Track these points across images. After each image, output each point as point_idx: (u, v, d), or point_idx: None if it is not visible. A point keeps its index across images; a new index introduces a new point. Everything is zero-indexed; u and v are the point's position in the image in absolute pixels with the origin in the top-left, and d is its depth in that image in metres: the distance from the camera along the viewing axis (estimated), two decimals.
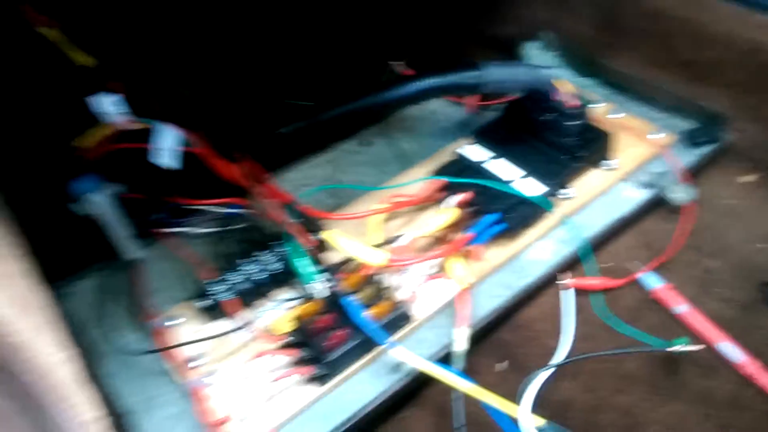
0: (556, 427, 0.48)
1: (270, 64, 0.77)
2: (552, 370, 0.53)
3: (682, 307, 0.57)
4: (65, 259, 0.61)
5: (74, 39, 0.71)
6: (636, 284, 0.61)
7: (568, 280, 0.59)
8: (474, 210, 0.62)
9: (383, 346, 0.52)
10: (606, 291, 0.60)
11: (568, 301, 0.59)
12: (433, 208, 0.65)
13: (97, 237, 0.58)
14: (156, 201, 0.62)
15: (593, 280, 0.60)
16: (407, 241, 0.58)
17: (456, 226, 0.61)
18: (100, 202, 0.55)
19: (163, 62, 0.70)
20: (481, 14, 0.88)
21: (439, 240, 0.62)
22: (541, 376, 0.52)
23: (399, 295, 0.56)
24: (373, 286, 0.55)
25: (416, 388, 0.54)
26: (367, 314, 0.52)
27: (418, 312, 0.56)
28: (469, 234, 0.58)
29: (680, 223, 0.65)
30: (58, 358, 0.34)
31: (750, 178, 0.70)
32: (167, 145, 0.53)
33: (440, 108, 0.83)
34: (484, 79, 0.61)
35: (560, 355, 0.55)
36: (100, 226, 0.56)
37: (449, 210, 0.61)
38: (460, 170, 0.66)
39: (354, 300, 0.53)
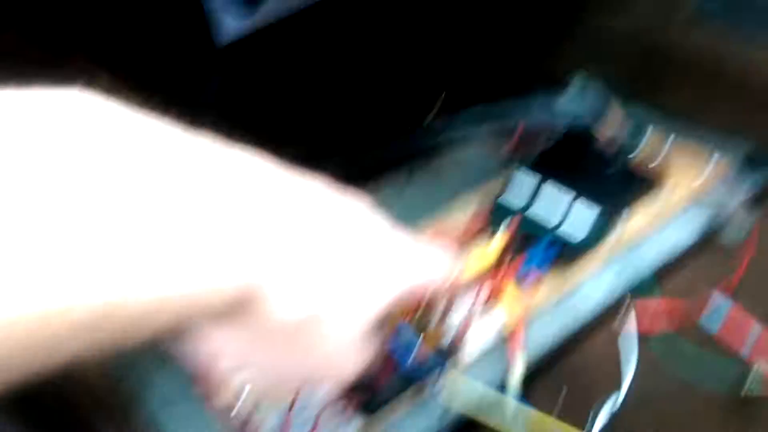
0: None
1: (307, 105, 0.78)
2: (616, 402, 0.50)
3: (753, 336, 0.53)
4: None
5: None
6: (703, 315, 0.57)
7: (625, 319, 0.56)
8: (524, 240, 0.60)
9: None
10: (668, 326, 0.56)
11: (628, 343, 0.55)
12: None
13: None
14: None
15: (653, 314, 0.57)
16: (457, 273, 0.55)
17: (508, 256, 0.59)
18: None
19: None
20: (525, 51, 0.87)
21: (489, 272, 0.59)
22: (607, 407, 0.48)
23: (449, 326, 0.54)
24: (423, 315, 0.53)
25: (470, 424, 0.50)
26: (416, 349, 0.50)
27: (466, 347, 0.54)
28: (519, 262, 0.56)
29: (744, 251, 0.61)
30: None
31: None
32: None
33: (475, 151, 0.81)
34: (522, 124, 0.61)
35: (623, 391, 0.51)
36: None
37: (498, 238, 0.59)
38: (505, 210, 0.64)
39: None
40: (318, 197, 0.30)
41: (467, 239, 0.63)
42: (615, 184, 0.65)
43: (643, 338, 0.56)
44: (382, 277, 0.31)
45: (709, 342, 0.55)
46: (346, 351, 0.32)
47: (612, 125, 0.63)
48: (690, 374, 0.53)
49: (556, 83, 0.86)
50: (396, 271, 0.32)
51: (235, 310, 0.26)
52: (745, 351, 0.53)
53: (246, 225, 0.26)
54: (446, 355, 0.52)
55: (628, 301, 0.58)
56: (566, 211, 0.62)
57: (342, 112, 0.77)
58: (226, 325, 0.27)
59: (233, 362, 0.33)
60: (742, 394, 0.48)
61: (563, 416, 0.51)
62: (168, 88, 0.66)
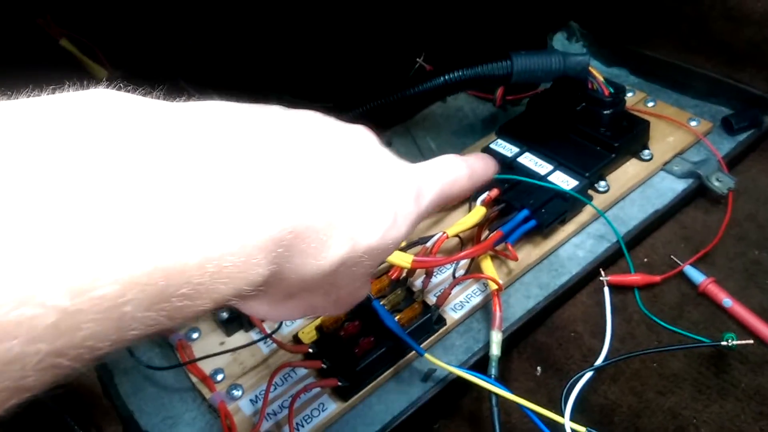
0: None
1: (293, 61, 0.76)
2: (592, 372, 0.51)
3: (727, 301, 0.54)
4: None
5: (93, 50, 0.72)
6: (678, 279, 0.58)
7: (604, 277, 0.56)
8: (504, 207, 0.60)
9: (412, 354, 0.50)
10: (647, 287, 0.57)
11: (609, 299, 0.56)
12: (463, 207, 0.63)
13: None
14: None
15: (632, 276, 0.57)
16: (433, 242, 0.55)
17: (485, 224, 0.59)
18: None
19: (183, 70, 0.69)
20: (507, 3, 0.86)
21: (470, 240, 0.60)
22: (582, 380, 0.49)
23: (428, 299, 0.54)
24: (400, 291, 0.53)
25: (449, 398, 0.51)
26: (395, 320, 0.50)
27: (448, 316, 0.54)
28: (498, 233, 0.56)
29: (722, 213, 0.61)
30: None
31: None
32: None
33: (467, 104, 0.81)
34: (514, 68, 0.59)
35: (602, 356, 0.52)
36: None
37: (477, 209, 0.59)
38: None
39: (382, 305, 0.51)
40: (323, 128, 0.29)
41: (448, 207, 0.63)
42: (599, 142, 0.64)
43: (623, 295, 0.57)
44: (406, 197, 0.30)
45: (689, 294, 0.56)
46: (363, 285, 0.31)
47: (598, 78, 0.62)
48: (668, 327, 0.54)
49: (540, 39, 0.85)
50: (416, 186, 0.31)
51: (281, 261, 0.24)
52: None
53: (264, 172, 0.24)
54: (423, 330, 0.53)
55: (602, 270, 0.58)
56: (551, 171, 0.63)
57: (327, 65, 0.76)
58: (264, 289, 0.24)
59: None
60: (721, 344, 0.49)
61: (546, 378, 0.53)
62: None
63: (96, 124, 0.21)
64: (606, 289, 0.56)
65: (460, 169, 0.35)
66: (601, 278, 0.56)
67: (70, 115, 0.20)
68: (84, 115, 0.21)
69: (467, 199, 0.63)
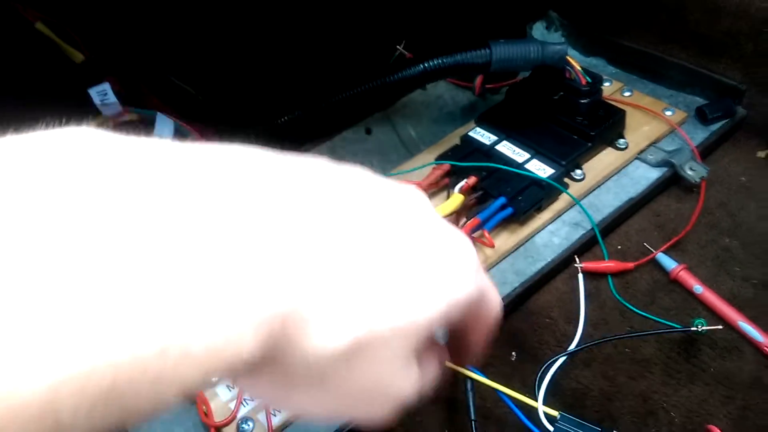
0: (570, 419, 0.46)
1: (272, 50, 0.76)
2: (565, 357, 0.52)
3: (698, 288, 0.55)
4: None
5: (69, 34, 0.71)
6: (651, 266, 0.59)
7: (578, 264, 0.57)
8: (481, 195, 0.60)
9: None
10: (620, 274, 0.58)
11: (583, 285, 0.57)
12: (441, 195, 0.64)
13: None
14: None
15: (606, 263, 0.58)
16: None
17: (463, 212, 0.60)
18: None
19: (160, 53, 0.69)
20: None
21: None
22: (556, 365, 0.50)
23: None
24: None
25: None
26: None
27: None
28: (475, 220, 0.56)
29: (694, 201, 0.63)
30: None
31: (765, 152, 0.68)
32: (164, 135, 0.52)
33: (446, 92, 0.81)
34: (493, 56, 0.59)
35: (575, 342, 0.53)
36: None
37: (455, 196, 0.59)
38: (467, 154, 0.64)
39: None
40: (338, 181, 0.24)
41: (428, 190, 0.64)
42: (576, 131, 0.65)
43: (597, 281, 0.58)
44: (434, 279, 0.24)
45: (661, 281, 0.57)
46: (395, 376, 0.25)
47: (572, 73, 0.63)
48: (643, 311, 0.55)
49: (519, 28, 0.85)
50: (446, 271, 0.25)
51: (270, 348, 0.20)
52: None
53: (264, 235, 0.20)
54: None
55: (577, 257, 0.59)
56: (528, 159, 0.63)
57: (308, 52, 0.76)
58: (259, 371, 0.21)
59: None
60: (692, 330, 0.51)
61: (521, 363, 0.53)
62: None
63: (58, 173, 0.18)
64: (580, 276, 0.57)
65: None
66: (575, 265, 0.57)
67: (31, 161, 0.18)
68: (50, 162, 0.18)
69: (445, 186, 0.63)
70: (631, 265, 0.58)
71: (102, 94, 0.50)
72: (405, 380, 0.26)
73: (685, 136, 0.67)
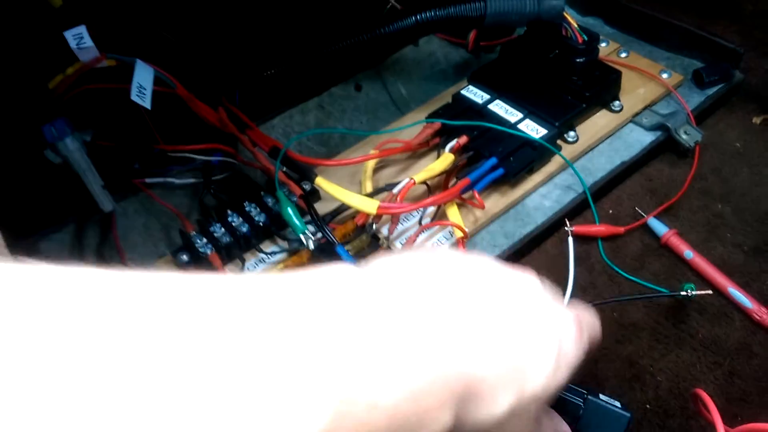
0: None
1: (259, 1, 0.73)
2: None
3: (689, 253, 0.55)
4: (40, 212, 0.58)
5: None
6: (642, 231, 0.58)
7: (569, 227, 0.56)
8: (472, 155, 0.59)
9: None
10: (610, 238, 0.57)
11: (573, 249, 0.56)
12: (431, 154, 0.62)
13: (74, 188, 0.54)
14: (135, 148, 0.59)
15: (597, 227, 0.57)
16: (399, 188, 0.54)
17: (453, 172, 0.58)
18: (71, 148, 0.51)
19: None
20: None
21: (437, 188, 0.59)
22: None
23: (394, 246, 0.54)
24: (365, 236, 0.53)
25: None
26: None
27: None
28: (465, 180, 0.55)
29: (688, 166, 0.62)
30: None
31: (761, 118, 0.67)
32: (143, 83, 0.49)
33: (439, 49, 0.79)
34: (488, 9, 0.57)
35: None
36: (75, 175, 0.53)
37: (445, 156, 0.58)
38: (459, 113, 0.62)
39: (347, 250, 0.50)
40: (493, 276, 0.29)
41: (415, 150, 0.62)
42: (570, 91, 0.63)
43: (587, 245, 0.57)
44: (569, 343, 0.30)
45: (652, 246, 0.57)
46: (531, 426, 0.31)
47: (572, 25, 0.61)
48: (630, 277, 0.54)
49: None
50: (567, 342, 0.31)
51: (459, 410, 0.25)
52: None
53: (448, 321, 0.25)
54: None
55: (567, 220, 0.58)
56: (521, 119, 0.62)
57: (297, 4, 0.73)
58: None
59: None
60: (681, 295, 0.50)
61: None
62: None
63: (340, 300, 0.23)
64: (570, 239, 0.56)
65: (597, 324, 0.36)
66: (566, 228, 0.56)
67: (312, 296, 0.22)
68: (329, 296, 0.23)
69: (436, 145, 0.62)
70: (621, 229, 0.57)
71: (78, 37, 0.47)
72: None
73: (681, 100, 0.66)
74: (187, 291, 0.20)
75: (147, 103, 0.50)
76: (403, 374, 0.22)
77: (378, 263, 0.27)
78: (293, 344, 0.20)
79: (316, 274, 0.24)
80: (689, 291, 0.50)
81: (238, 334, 0.20)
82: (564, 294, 0.53)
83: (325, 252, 0.51)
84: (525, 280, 0.31)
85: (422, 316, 0.24)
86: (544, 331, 0.29)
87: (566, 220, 0.57)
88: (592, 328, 0.35)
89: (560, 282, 0.54)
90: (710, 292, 0.51)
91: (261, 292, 0.22)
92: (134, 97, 0.49)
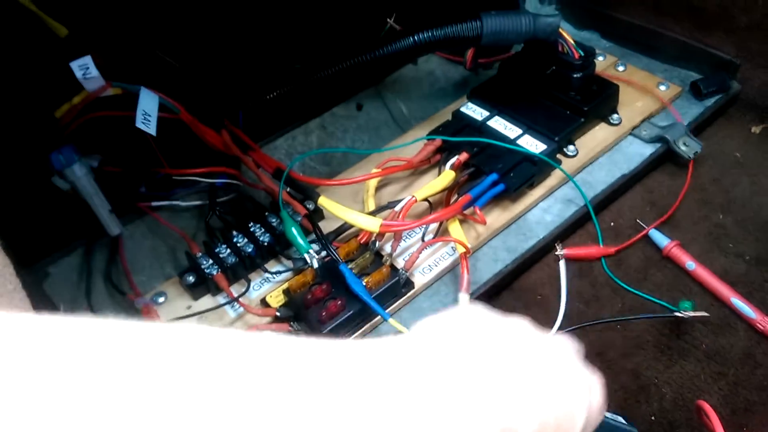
0: None
1: (260, 25, 0.74)
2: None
3: (691, 264, 0.55)
4: (48, 237, 0.59)
5: (51, 7, 0.69)
6: (644, 242, 0.58)
7: (560, 251, 0.57)
8: (473, 171, 0.60)
9: (378, 318, 0.50)
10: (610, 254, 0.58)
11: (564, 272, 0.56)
12: (432, 171, 0.63)
13: (81, 212, 0.55)
14: (140, 173, 0.60)
15: (586, 249, 0.58)
16: (402, 206, 0.55)
17: (455, 189, 0.59)
18: (79, 175, 0.52)
19: (145, 27, 0.67)
20: None
21: (439, 204, 0.59)
22: None
23: (397, 263, 0.54)
24: (368, 254, 0.53)
25: None
26: (362, 282, 0.50)
27: (417, 279, 0.54)
28: (466, 196, 0.56)
29: (687, 177, 0.62)
30: None
31: (759, 128, 0.67)
32: (148, 110, 0.50)
33: (438, 67, 0.80)
34: (484, 29, 0.58)
35: (557, 324, 0.53)
36: (83, 200, 0.54)
37: (446, 173, 0.59)
38: (458, 130, 0.63)
39: (349, 269, 0.51)
40: (525, 339, 0.30)
41: (416, 167, 0.63)
42: (568, 106, 0.64)
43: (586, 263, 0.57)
44: (589, 415, 0.31)
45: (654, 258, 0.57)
46: None
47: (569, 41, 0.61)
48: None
49: (511, 1, 0.84)
50: (595, 406, 0.32)
51: None
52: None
53: (487, 384, 0.26)
54: (391, 293, 0.53)
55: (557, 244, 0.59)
56: (520, 135, 0.62)
57: (297, 26, 0.74)
58: None
59: None
60: (680, 313, 0.50)
61: None
62: None
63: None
64: (561, 263, 0.56)
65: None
66: (556, 253, 0.57)
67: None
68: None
69: (437, 162, 0.63)
70: (612, 249, 0.57)
71: (84, 68, 0.48)
72: None
73: (675, 113, 0.66)
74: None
75: (152, 130, 0.50)
76: None
77: (421, 330, 0.29)
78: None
79: (362, 354, 0.25)
80: (683, 312, 0.50)
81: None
82: (561, 312, 0.53)
83: (330, 271, 0.51)
84: (560, 345, 0.32)
85: (468, 386, 0.26)
86: (576, 397, 0.30)
87: (556, 244, 0.57)
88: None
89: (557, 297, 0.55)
90: (705, 314, 0.51)
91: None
92: (139, 124, 0.50)
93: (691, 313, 0.50)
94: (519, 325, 0.31)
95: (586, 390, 0.31)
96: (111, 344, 0.20)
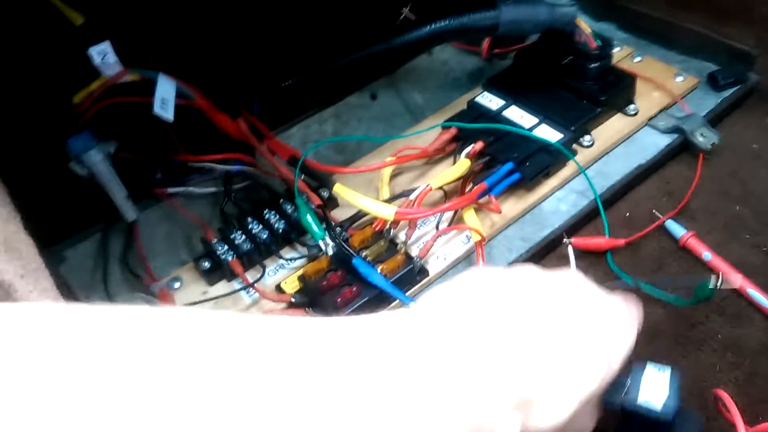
0: None
1: (275, 13, 0.74)
2: None
3: (707, 255, 0.55)
4: (66, 221, 0.59)
5: None
6: (660, 233, 0.58)
7: (567, 240, 0.56)
8: (489, 160, 0.59)
9: (395, 303, 0.50)
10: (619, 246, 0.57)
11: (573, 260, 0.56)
12: (447, 160, 0.63)
13: (98, 198, 0.56)
14: (157, 159, 0.60)
15: (596, 240, 0.57)
16: (417, 194, 0.55)
17: (470, 177, 0.59)
18: (96, 160, 0.53)
19: (161, 13, 0.68)
20: None
21: (454, 193, 0.59)
22: None
23: (411, 251, 0.54)
24: (383, 242, 0.53)
25: None
26: (377, 270, 0.50)
27: (431, 267, 0.54)
28: (482, 185, 0.55)
29: (705, 168, 0.62)
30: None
31: None
32: (166, 96, 0.51)
33: (453, 57, 0.80)
34: (501, 18, 0.58)
35: None
36: (99, 186, 0.54)
37: (462, 161, 0.59)
38: (474, 119, 0.63)
39: (363, 256, 0.51)
40: (533, 282, 0.31)
41: (432, 156, 0.63)
42: (585, 96, 0.64)
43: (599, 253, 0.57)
44: (605, 351, 0.32)
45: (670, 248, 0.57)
46: (587, 423, 0.34)
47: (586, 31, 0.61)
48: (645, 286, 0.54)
49: None
50: (620, 332, 0.33)
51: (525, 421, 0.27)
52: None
53: (496, 340, 0.27)
54: (406, 281, 0.53)
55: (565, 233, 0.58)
56: (536, 125, 0.62)
57: (310, 16, 0.74)
58: None
59: None
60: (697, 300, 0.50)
61: None
62: None
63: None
64: (570, 250, 0.55)
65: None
66: (564, 241, 0.56)
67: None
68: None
69: (452, 151, 0.62)
70: (621, 241, 0.56)
71: (102, 53, 0.49)
72: (591, 421, 0.34)
73: (684, 107, 0.66)
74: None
75: (170, 116, 0.51)
76: (463, 410, 0.25)
77: (429, 299, 0.29)
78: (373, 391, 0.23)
79: (372, 326, 0.26)
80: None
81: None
82: None
83: (345, 259, 0.52)
84: (569, 279, 0.32)
85: (475, 347, 0.27)
86: (596, 328, 0.31)
87: (564, 233, 0.57)
88: (637, 314, 0.37)
89: None
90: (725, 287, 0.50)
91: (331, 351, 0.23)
92: (157, 110, 0.50)
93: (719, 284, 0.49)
94: (524, 274, 0.32)
95: (606, 321, 0.32)
96: (119, 331, 0.20)
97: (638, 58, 0.72)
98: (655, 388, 0.36)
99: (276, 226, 0.55)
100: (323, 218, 0.54)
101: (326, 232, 0.53)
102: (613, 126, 0.65)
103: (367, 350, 0.24)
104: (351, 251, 0.51)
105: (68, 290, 0.55)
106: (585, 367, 0.30)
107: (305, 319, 0.25)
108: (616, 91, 0.64)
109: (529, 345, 0.28)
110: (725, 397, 0.39)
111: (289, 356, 0.22)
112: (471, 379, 0.25)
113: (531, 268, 0.32)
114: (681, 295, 0.51)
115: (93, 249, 0.59)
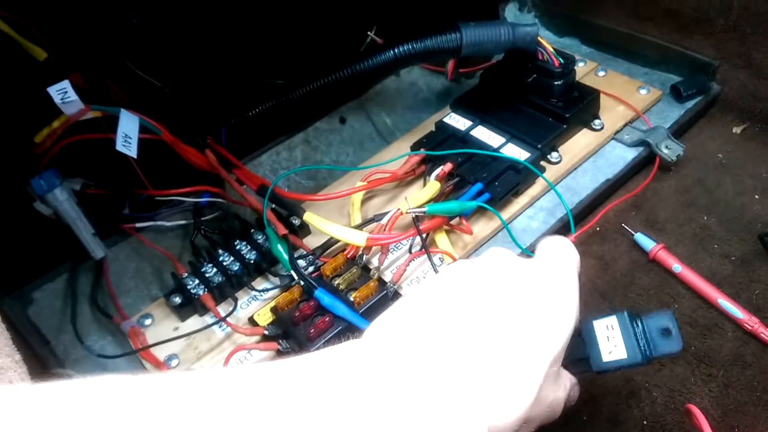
0: None
1: (240, 41, 0.74)
2: None
3: (677, 267, 0.55)
4: (32, 262, 0.58)
5: (30, 31, 0.68)
6: (630, 246, 0.58)
7: None
8: (459, 181, 0.60)
9: None
10: (599, 255, 0.58)
11: None
12: (417, 183, 0.63)
13: (64, 237, 0.55)
14: (123, 194, 0.59)
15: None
16: (388, 219, 0.55)
17: (440, 199, 0.59)
18: (61, 199, 0.52)
19: (125, 46, 0.67)
20: None
21: (427, 216, 0.59)
22: None
23: (385, 276, 0.54)
24: (355, 269, 0.53)
25: None
26: (350, 298, 0.50)
27: (405, 292, 0.54)
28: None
29: (672, 179, 0.62)
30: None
31: (740, 128, 0.67)
32: (128, 132, 0.50)
33: (420, 78, 0.80)
34: (463, 40, 0.58)
35: None
36: (65, 225, 0.54)
37: (431, 184, 0.59)
38: (442, 141, 0.63)
39: (330, 288, 0.51)
40: (461, 283, 0.32)
41: (402, 180, 0.63)
42: (550, 113, 0.64)
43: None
44: (547, 324, 0.32)
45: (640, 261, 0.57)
46: (556, 390, 0.34)
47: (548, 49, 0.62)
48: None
49: (492, 9, 0.84)
50: (551, 308, 0.33)
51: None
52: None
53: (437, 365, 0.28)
54: (383, 303, 0.52)
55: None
56: (503, 144, 0.63)
57: (277, 41, 0.74)
58: None
59: None
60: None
61: None
62: None
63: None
64: None
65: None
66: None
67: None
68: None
69: (422, 174, 0.63)
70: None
71: (62, 92, 0.48)
72: (563, 390, 0.35)
73: (646, 121, 0.67)
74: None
75: (133, 152, 0.50)
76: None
77: (373, 331, 0.31)
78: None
79: (318, 364, 0.26)
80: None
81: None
82: None
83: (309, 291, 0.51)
84: (495, 261, 0.33)
85: (423, 373, 0.27)
86: (532, 302, 0.32)
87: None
88: (574, 257, 0.39)
89: None
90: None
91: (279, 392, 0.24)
92: (120, 147, 0.49)
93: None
94: (453, 273, 0.33)
95: (543, 291, 0.33)
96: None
97: (602, 73, 0.73)
98: (611, 341, 0.38)
99: (247, 257, 0.55)
100: (296, 246, 0.54)
101: (298, 261, 0.53)
102: (580, 142, 0.65)
103: (307, 394, 0.24)
104: (313, 283, 0.51)
105: (37, 333, 0.54)
106: (530, 346, 0.30)
107: (225, 374, 0.25)
108: (581, 107, 0.65)
109: (470, 353, 0.28)
110: (696, 411, 0.39)
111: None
112: (424, 407, 0.26)
113: (459, 264, 0.33)
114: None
115: (61, 289, 0.58)
